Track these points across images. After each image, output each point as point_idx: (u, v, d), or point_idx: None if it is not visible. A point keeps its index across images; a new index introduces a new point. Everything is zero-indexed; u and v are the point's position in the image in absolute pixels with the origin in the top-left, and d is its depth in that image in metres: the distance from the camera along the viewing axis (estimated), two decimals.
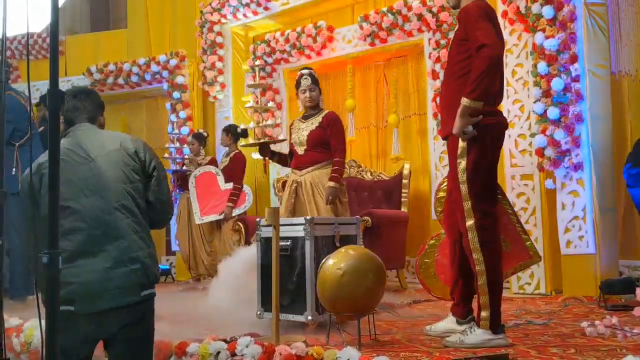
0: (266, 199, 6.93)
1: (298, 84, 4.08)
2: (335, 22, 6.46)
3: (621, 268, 4.56)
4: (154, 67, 7.51)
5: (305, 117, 4.11)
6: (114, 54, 8.08)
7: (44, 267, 1.42)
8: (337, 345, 2.78)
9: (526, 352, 2.58)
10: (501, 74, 2.95)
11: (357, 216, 3.91)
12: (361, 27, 5.96)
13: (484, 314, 2.77)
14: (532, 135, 4.72)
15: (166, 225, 2.49)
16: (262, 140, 4.20)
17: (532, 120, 4.76)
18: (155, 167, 2.26)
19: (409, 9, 5.59)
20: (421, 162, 6.05)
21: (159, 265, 7.68)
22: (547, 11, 4.49)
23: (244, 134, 6.10)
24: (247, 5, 6.87)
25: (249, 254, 3.89)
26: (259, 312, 3.46)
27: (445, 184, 3.52)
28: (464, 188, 2.79)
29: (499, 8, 4.81)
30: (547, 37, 4.50)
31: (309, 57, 6.45)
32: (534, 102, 4.61)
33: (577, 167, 4.41)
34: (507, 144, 4.76)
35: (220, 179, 6.05)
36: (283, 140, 4.52)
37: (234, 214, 5.94)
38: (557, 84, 4.43)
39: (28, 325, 3.24)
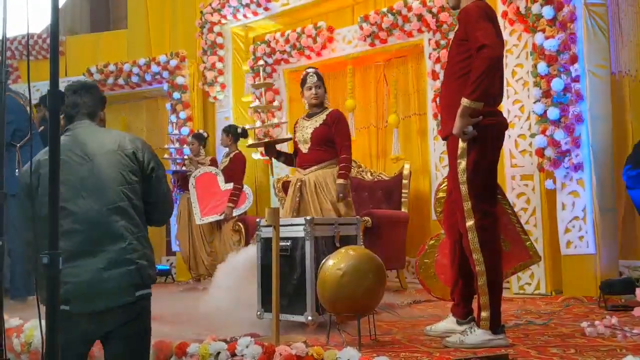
0: (266, 199, 6.93)
1: (304, 82, 4.08)
2: (335, 22, 6.46)
3: (621, 268, 4.56)
4: (154, 68, 7.51)
5: (310, 116, 4.12)
6: (114, 54, 8.09)
7: (44, 267, 1.42)
8: (337, 345, 2.78)
9: (526, 352, 2.58)
10: (501, 75, 2.95)
11: (357, 216, 3.91)
12: (361, 28, 5.96)
13: (484, 314, 2.77)
14: (532, 135, 4.72)
15: (166, 223, 2.49)
16: (268, 140, 4.20)
17: (532, 120, 4.76)
18: (154, 168, 2.25)
19: (409, 9, 5.59)
20: (421, 162, 6.05)
21: (159, 266, 7.69)
22: (547, 11, 4.49)
23: (244, 134, 6.12)
24: (247, 5, 6.87)
25: (244, 258, 3.92)
26: (259, 313, 3.46)
27: (445, 184, 3.53)
28: (464, 188, 2.79)
29: (499, 8, 4.82)
30: (547, 38, 4.50)
31: (309, 57, 6.46)
32: (534, 103, 4.61)
33: (577, 167, 4.41)
34: (507, 144, 4.76)
35: (220, 179, 6.06)
36: (289, 139, 4.51)
37: (234, 215, 5.95)
38: (557, 84, 4.44)
39: (28, 326, 3.24)
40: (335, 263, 2.88)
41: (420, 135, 6.11)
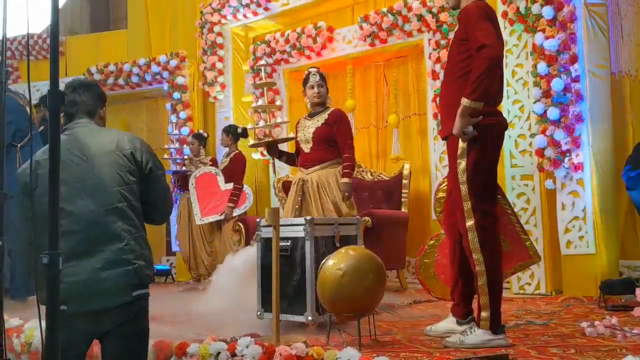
0: (266, 199, 6.93)
1: (306, 81, 4.09)
2: (335, 22, 6.46)
3: (621, 268, 4.55)
4: (154, 68, 7.51)
5: (311, 115, 4.12)
6: (114, 54, 8.09)
7: (44, 267, 1.43)
8: (337, 345, 2.78)
9: (526, 352, 2.58)
10: (501, 75, 2.95)
11: (358, 216, 3.91)
12: (361, 28, 5.96)
13: (484, 314, 2.77)
14: (532, 135, 4.72)
15: (165, 222, 2.49)
16: (270, 139, 4.20)
17: (532, 120, 4.76)
18: (152, 168, 2.25)
19: (409, 9, 5.59)
20: (421, 162, 6.06)
21: (159, 266, 7.68)
22: (547, 11, 4.50)
23: (244, 134, 6.12)
24: (247, 5, 6.87)
25: (244, 259, 3.92)
26: (259, 313, 3.46)
27: (444, 184, 3.53)
28: (464, 188, 2.79)
29: (499, 8, 4.82)
30: (547, 38, 4.50)
31: (309, 57, 6.46)
32: (534, 103, 4.61)
33: (577, 167, 4.41)
34: (507, 144, 4.76)
35: (220, 179, 6.06)
36: (292, 139, 4.51)
37: (234, 215, 5.95)
38: (557, 84, 4.44)
39: (28, 326, 3.24)
40: (335, 263, 2.88)
41: (420, 135, 6.11)
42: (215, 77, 7.21)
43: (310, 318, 3.25)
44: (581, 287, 4.33)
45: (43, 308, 1.50)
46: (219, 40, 7.25)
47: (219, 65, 7.23)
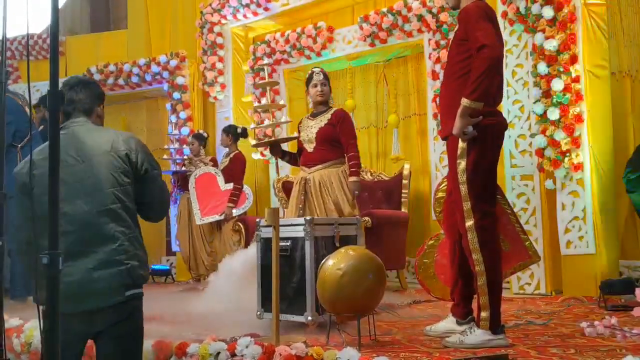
0: (266, 199, 6.93)
1: (309, 80, 4.11)
2: (335, 22, 6.46)
3: (621, 268, 4.56)
4: (154, 68, 7.51)
5: (314, 115, 4.13)
6: (114, 54, 8.09)
7: (44, 267, 1.43)
8: (337, 345, 2.78)
9: (526, 352, 2.58)
10: (501, 75, 2.95)
11: (358, 216, 3.91)
12: (361, 28, 5.96)
13: (483, 314, 2.77)
14: (532, 135, 4.72)
15: (161, 219, 2.49)
16: (273, 139, 4.21)
17: (532, 120, 4.76)
18: (147, 169, 2.24)
19: (409, 9, 5.60)
20: (421, 163, 6.06)
21: (159, 266, 7.67)
22: (547, 12, 4.50)
23: (244, 134, 6.12)
24: (247, 6, 6.87)
25: (243, 260, 3.92)
26: (258, 313, 3.46)
27: (444, 184, 3.53)
28: (463, 188, 2.79)
29: (499, 8, 4.82)
30: (547, 38, 4.50)
31: (309, 57, 6.46)
32: (534, 103, 4.61)
33: (577, 167, 4.41)
34: (507, 144, 4.76)
35: (220, 179, 6.06)
36: (295, 138, 4.51)
37: (234, 215, 5.95)
38: (557, 84, 4.44)
39: (28, 326, 3.25)
40: (335, 263, 2.88)
41: (420, 136, 6.11)
42: (215, 77, 7.22)
43: (310, 318, 3.25)
44: (581, 287, 4.33)
45: (41, 308, 1.50)
46: (219, 40, 7.25)
47: (219, 65, 7.23)
